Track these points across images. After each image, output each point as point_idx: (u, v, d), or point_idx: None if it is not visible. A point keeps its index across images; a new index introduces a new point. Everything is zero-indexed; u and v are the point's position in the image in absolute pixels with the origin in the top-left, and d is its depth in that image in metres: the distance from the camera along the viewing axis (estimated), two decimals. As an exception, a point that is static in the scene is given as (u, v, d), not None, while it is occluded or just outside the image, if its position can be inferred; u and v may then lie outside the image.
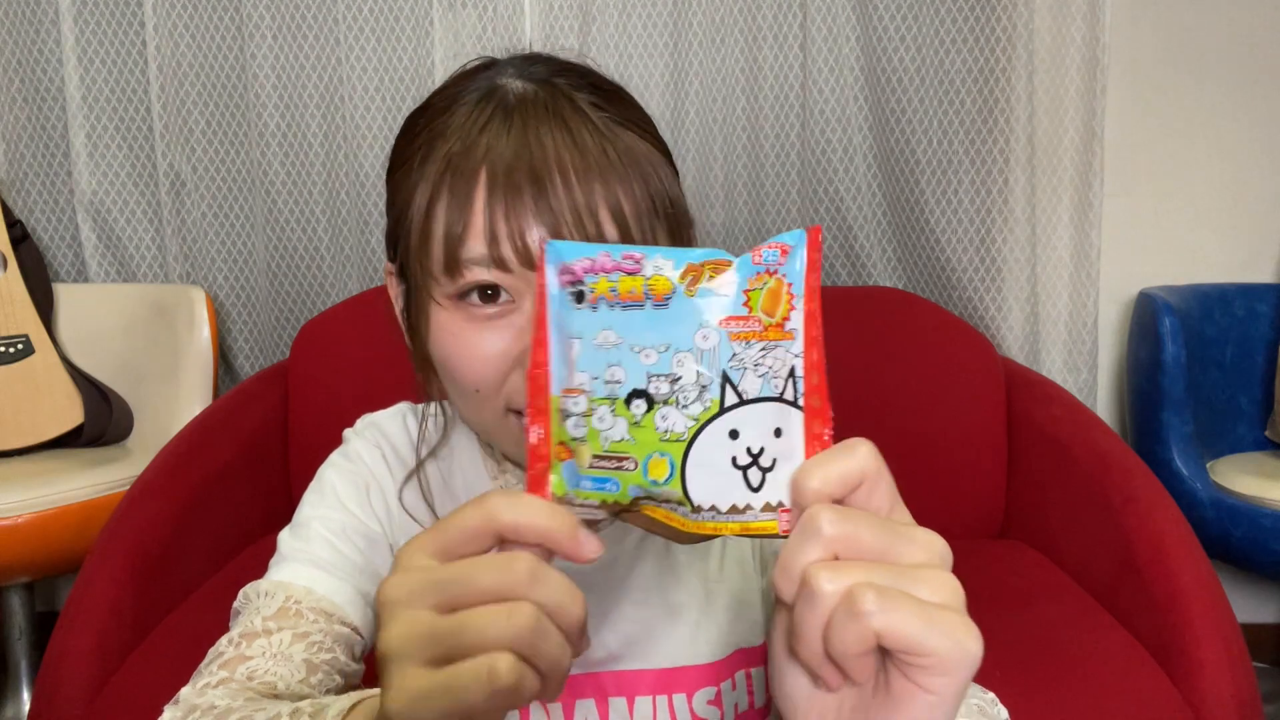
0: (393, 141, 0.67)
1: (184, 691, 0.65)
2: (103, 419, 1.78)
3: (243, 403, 1.65)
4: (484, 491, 0.39)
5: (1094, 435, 1.50)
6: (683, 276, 0.38)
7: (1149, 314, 1.86)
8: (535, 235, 0.58)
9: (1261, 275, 2.03)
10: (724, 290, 0.37)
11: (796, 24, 1.85)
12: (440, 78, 1.85)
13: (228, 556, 1.49)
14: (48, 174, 1.96)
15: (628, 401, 0.38)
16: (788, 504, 0.38)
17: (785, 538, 0.37)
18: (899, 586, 0.36)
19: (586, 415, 0.38)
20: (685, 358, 0.38)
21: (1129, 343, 1.96)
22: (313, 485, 0.75)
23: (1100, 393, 1.99)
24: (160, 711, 0.64)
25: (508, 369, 0.60)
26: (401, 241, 0.63)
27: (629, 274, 0.38)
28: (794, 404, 0.38)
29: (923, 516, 1.38)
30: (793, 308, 0.37)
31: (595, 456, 0.38)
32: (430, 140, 0.62)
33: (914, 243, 1.89)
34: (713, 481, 0.38)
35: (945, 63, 1.82)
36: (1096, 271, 1.86)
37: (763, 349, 0.37)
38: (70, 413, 1.78)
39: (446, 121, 0.62)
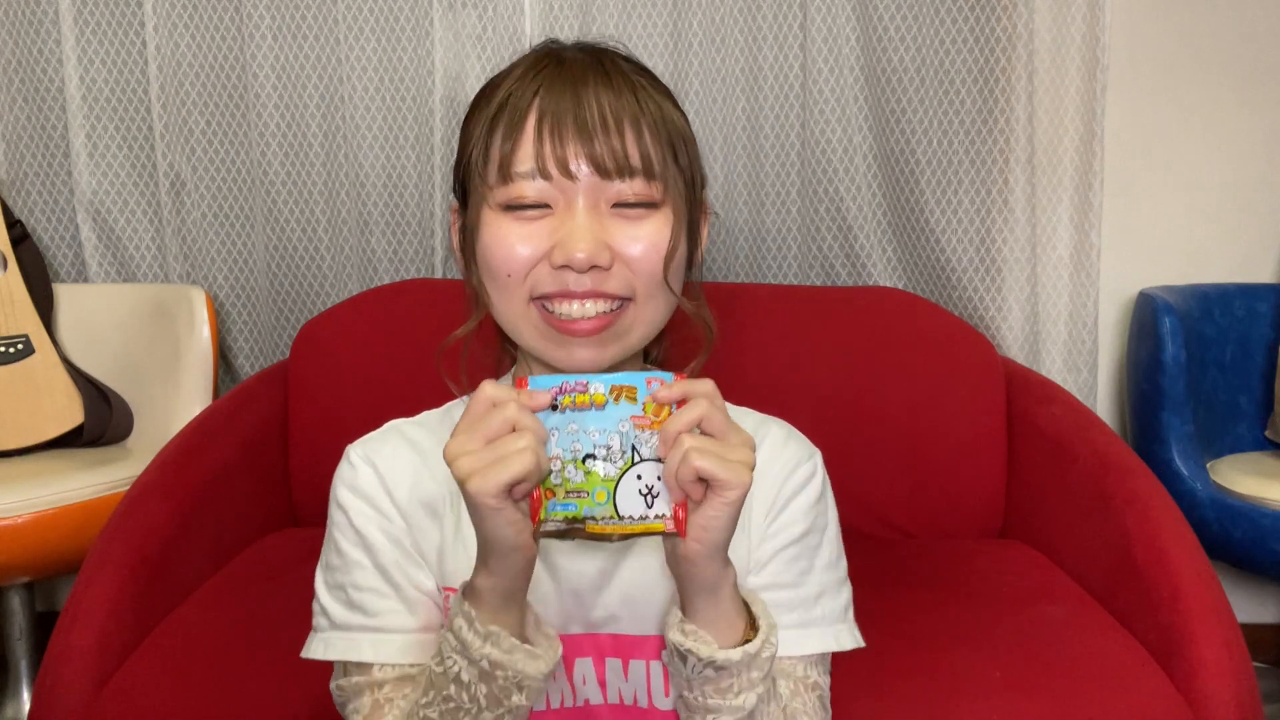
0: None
1: None
2: (103, 419, 1.78)
3: (243, 403, 1.64)
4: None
5: (1094, 435, 1.50)
6: (612, 392, 0.66)
7: (1149, 314, 1.86)
8: (574, 154, 0.72)
9: (1261, 275, 2.03)
10: (633, 402, 0.66)
11: (796, 24, 1.85)
12: (440, 78, 1.86)
13: (228, 556, 1.49)
14: (48, 174, 1.96)
15: (583, 460, 0.66)
16: (667, 514, 0.66)
17: (669, 534, 0.66)
18: (718, 450, 0.64)
19: (560, 471, 0.66)
20: (614, 436, 0.66)
21: (1129, 343, 1.96)
22: (329, 539, 0.81)
23: (1100, 393, 1.99)
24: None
25: (533, 260, 0.74)
26: (465, 169, 0.78)
27: (581, 393, 0.66)
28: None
29: (922, 516, 1.38)
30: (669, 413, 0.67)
31: (566, 492, 0.66)
32: (494, 87, 0.78)
33: (914, 243, 1.89)
34: (629, 502, 0.66)
35: (945, 63, 1.82)
36: (1096, 271, 1.86)
37: (652, 434, 0.66)
38: (70, 413, 1.78)
39: (508, 73, 0.78)
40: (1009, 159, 1.83)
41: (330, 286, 1.94)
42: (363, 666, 0.77)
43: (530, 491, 0.64)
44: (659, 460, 0.66)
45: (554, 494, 0.65)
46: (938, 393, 1.67)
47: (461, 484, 0.62)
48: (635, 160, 0.73)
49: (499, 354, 0.89)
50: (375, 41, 1.86)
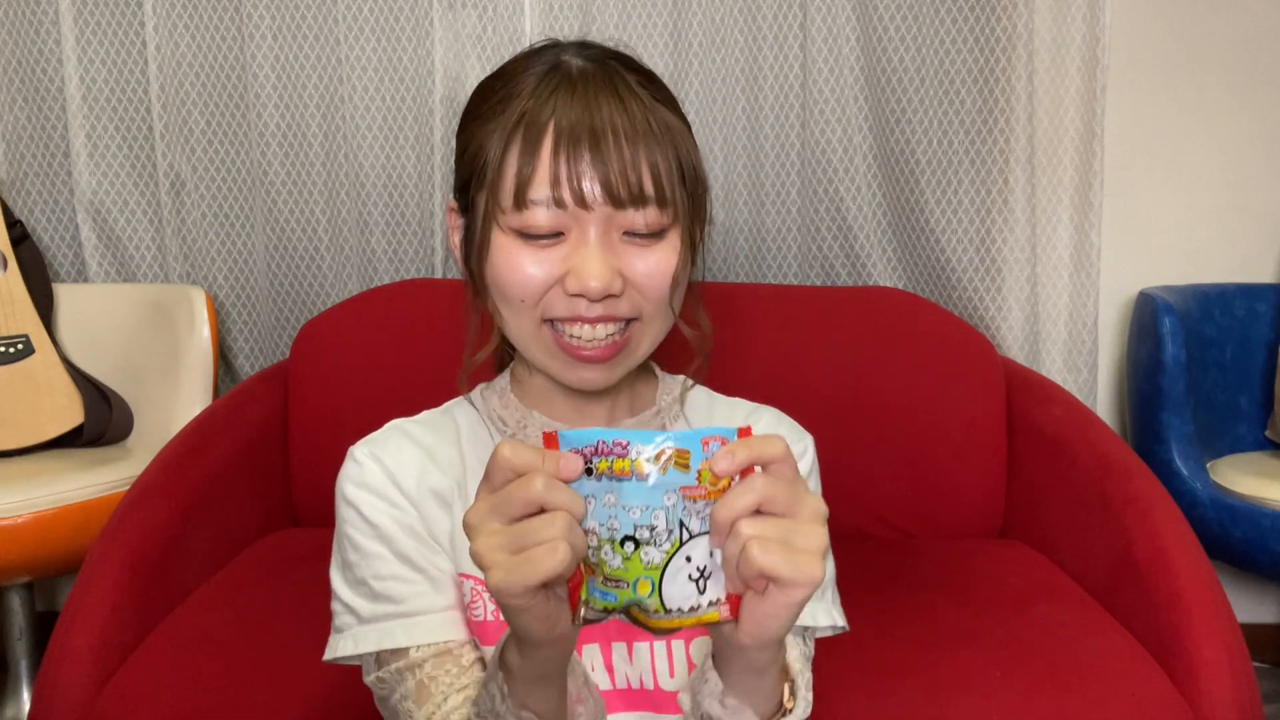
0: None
1: None
2: (103, 419, 1.78)
3: (243, 403, 1.64)
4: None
5: (1094, 435, 1.50)
6: (655, 459, 0.55)
7: (1149, 314, 1.86)
8: (589, 182, 0.72)
9: (1261, 275, 2.03)
10: (684, 469, 0.55)
11: (796, 24, 1.85)
12: (440, 78, 1.86)
13: (228, 556, 1.49)
14: (48, 174, 1.96)
15: (622, 543, 0.55)
16: (722, 599, 0.57)
17: (725, 622, 0.58)
18: (783, 536, 0.55)
19: (597, 549, 0.56)
20: (659, 514, 0.55)
21: (1129, 343, 1.96)
22: (342, 539, 0.80)
23: (1100, 393, 1.99)
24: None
25: (546, 285, 0.74)
26: (474, 179, 0.77)
27: (620, 457, 0.55)
28: None
29: (922, 516, 1.39)
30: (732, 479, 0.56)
31: (604, 578, 0.56)
32: (506, 99, 0.76)
33: (914, 243, 1.89)
34: (677, 592, 0.56)
35: (945, 63, 1.82)
36: (1096, 271, 1.86)
37: (706, 504, 0.56)
38: (70, 413, 1.78)
39: (519, 86, 0.76)
40: (1009, 159, 1.82)
41: (330, 286, 1.94)
42: (398, 652, 0.77)
43: (567, 579, 0.56)
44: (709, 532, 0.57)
45: (594, 572, 0.56)
46: (938, 393, 1.67)
47: (483, 572, 0.55)
48: (649, 189, 0.74)
49: (500, 353, 0.90)
50: (375, 41, 1.86)
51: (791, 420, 0.88)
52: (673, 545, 0.56)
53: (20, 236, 1.86)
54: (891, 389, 1.68)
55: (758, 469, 0.56)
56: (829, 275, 1.94)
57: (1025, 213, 1.84)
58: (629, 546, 0.55)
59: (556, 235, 0.74)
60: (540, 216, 0.73)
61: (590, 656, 0.80)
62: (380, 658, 0.78)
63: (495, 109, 0.76)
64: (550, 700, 0.64)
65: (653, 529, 0.55)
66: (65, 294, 1.90)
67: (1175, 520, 1.30)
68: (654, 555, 0.55)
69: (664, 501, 0.55)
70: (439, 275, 1.93)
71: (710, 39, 1.85)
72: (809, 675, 0.70)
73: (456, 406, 0.88)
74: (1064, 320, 1.87)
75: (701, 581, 0.56)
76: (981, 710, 1.14)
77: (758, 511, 0.55)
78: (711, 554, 0.56)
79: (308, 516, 1.70)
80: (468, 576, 0.79)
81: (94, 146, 1.92)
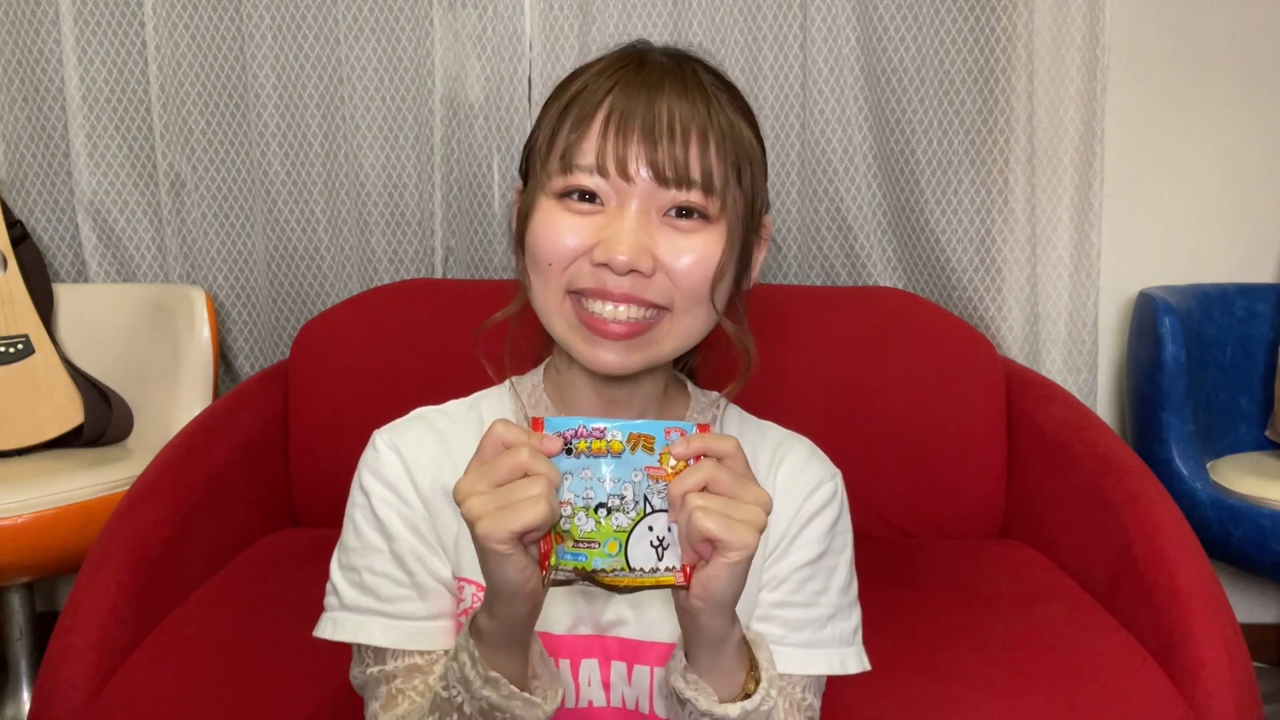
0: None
1: None
2: (103, 419, 1.78)
3: (243, 403, 1.64)
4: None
5: (1094, 435, 1.50)
6: (629, 440, 0.65)
7: (1149, 314, 1.86)
8: (635, 156, 0.72)
9: (1261, 275, 2.03)
10: (650, 452, 0.65)
11: (796, 24, 1.85)
12: (440, 78, 1.86)
13: (228, 556, 1.49)
14: (48, 174, 1.96)
15: (595, 509, 0.64)
16: (678, 566, 0.65)
17: (678, 587, 0.66)
18: (723, 509, 0.63)
19: (570, 518, 0.64)
20: (627, 487, 0.65)
21: (1129, 343, 1.96)
22: (348, 520, 0.82)
23: (1100, 393, 1.99)
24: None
25: (576, 253, 0.74)
26: (532, 155, 0.78)
27: (597, 439, 0.65)
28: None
29: (922, 516, 1.38)
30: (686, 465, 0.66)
31: (575, 541, 0.64)
32: (572, 79, 0.78)
33: (914, 243, 1.89)
34: (640, 554, 0.65)
35: (945, 63, 1.82)
36: (1096, 271, 1.86)
37: (667, 485, 0.65)
38: (70, 413, 1.77)
39: (588, 68, 0.78)
40: (1009, 159, 1.83)
41: (330, 286, 1.94)
42: (377, 656, 0.78)
43: (540, 538, 0.63)
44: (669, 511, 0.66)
45: (564, 540, 0.64)
46: (938, 393, 1.67)
47: (470, 526, 0.62)
48: (695, 173, 0.73)
49: (542, 341, 0.89)
50: (375, 41, 1.86)
51: (823, 455, 0.87)
52: (638, 513, 0.65)
53: (20, 236, 1.85)
54: (891, 389, 1.68)
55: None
56: (829, 275, 1.94)
57: (1025, 213, 1.84)
58: (601, 512, 0.64)
59: (596, 201, 0.74)
60: (582, 180, 0.73)
61: (589, 672, 0.80)
62: (362, 656, 0.79)
63: (562, 90, 0.78)
64: (514, 665, 0.69)
65: (622, 498, 0.65)
66: (65, 294, 1.90)
67: (1175, 520, 1.30)
68: (622, 520, 0.65)
69: (632, 477, 0.65)
70: (439, 275, 1.93)
71: (710, 39, 1.85)
72: (775, 673, 0.73)
73: (484, 399, 0.87)
74: (1064, 320, 1.87)
75: (660, 550, 0.65)
76: (982, 710, 1.14)
77: (708, 491, 0.63)
78: (670, 529, 0.65)
79: (308, 516, 1.70)
80: (468, 581, 0.79)
81: (94, 146, 1.92)
